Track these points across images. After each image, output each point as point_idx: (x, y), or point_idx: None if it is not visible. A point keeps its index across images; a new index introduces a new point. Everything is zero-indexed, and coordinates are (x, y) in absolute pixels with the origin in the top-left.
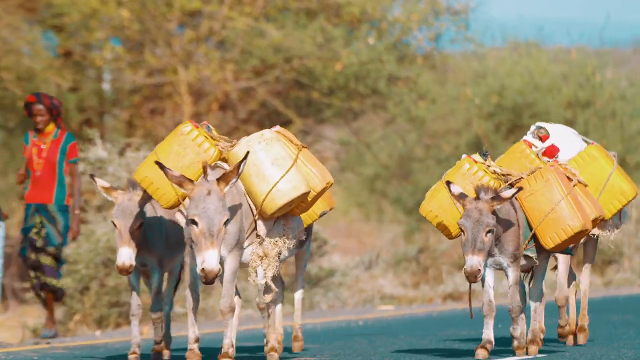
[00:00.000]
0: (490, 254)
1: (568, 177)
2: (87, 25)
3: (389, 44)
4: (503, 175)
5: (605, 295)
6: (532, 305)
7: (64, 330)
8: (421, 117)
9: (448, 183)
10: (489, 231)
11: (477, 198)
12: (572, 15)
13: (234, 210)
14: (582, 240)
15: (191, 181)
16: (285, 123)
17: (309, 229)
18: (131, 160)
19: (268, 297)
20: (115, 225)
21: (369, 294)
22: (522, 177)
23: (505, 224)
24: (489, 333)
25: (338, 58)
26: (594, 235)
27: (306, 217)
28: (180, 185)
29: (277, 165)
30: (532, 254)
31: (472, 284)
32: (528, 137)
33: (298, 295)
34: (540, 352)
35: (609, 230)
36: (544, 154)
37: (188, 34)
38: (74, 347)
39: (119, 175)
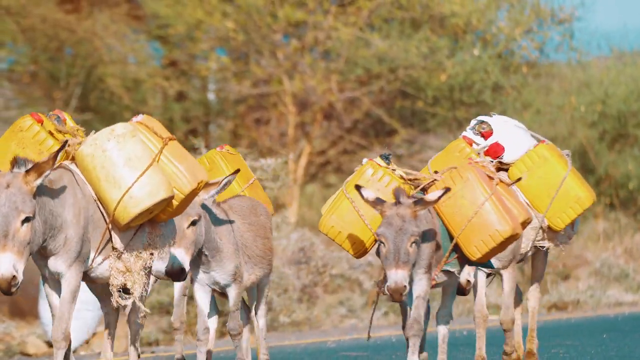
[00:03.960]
0: None
1: (489, 176)
2: (192, 36)
3: (494, 54)
4: (410, 180)
5: (557, 317)
6: (441, 332)
7: (168, 340)
8: (526, 126)
9: (358, 187)
10: (414, 241)
11: (398, 203)
12: None
13: (71, 213)
14: (529, 253)
15: None
16: (390, 132)
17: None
18: None
19: (140, 319)
20: None
21: (473, 304)
22: (435, 180)
23: (425, 231)
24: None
25: (443, 68)
26: (543, 247)
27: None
28: None
29: (130, 166)
30: (454, 268)
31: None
32: (468, 133)
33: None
34: None
35: (561, 242)
36: (486, 153)
37: (293, 44)
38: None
39: None
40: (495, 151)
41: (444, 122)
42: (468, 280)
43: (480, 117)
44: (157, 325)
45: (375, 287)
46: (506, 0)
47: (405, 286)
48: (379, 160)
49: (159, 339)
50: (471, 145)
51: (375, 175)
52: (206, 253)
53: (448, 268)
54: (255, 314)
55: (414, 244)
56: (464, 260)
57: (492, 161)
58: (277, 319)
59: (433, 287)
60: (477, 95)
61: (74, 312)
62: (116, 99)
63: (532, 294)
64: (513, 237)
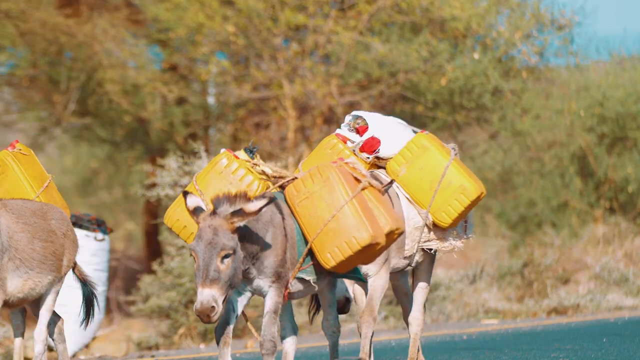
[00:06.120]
0: (247, 277)
1: (356, 178)
2: (193, 40)
3: (494, 58)
4: (275, 177)
5: (557, 321)
6: (331, 343)
7: (168, 344)
8: (525, 130)
9: (185, 194)
10: (226, 255)
11: (213, 213)
12: None
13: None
14: (415, 257)
15: None
16: None
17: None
18: None
19: None
20: None
21: (473, 308)
22: (295, 178)
23: (265, 236)
24: None
25: (443, 72)
26: (431, 250)
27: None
28: None
29: None
30: (310, 276)
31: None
32: (343, 129)
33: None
34: None
35: (451, 243)
36: (362, 149)
37: (293, 48)
38: None
39: None
40: (371, 145)
41: (444, 126)
42: (347, 298)
43: (355, 112)
44: (157, 329)
45: None
46: (506, 5)
47: (213, 307)
48: (242, 153)
49: (159, 343)
50: (345, 141)
51: (230, 167)
52: None
53: (303, 276)
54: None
55: (226, 259)
56: (322, 269)
57: (368, 157)
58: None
59: (288, 297)
60: (477, 99)
61: (74, 317)
62: (115, 104)
63: (414, 316)
64: (373, 247)
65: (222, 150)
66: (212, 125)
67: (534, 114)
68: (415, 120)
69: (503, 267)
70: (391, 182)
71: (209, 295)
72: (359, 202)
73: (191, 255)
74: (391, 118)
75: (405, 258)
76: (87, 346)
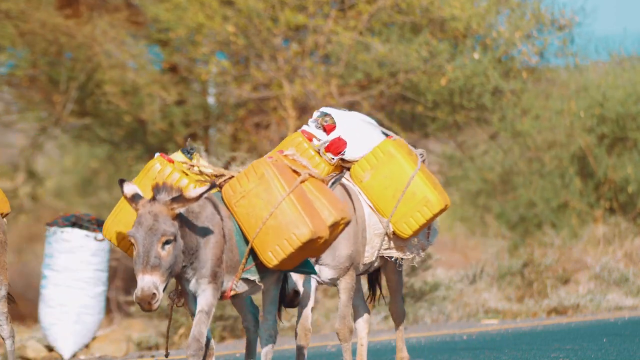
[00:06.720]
0: (184, 277)
1: (295, 171)
2: (193, 40)
3: (494, 58)
4: (215, 176)
5: (557, 321)
6: (263, 351)
7: (169, 344)
8: (525, 131)
9: (121, 182)
10: (166, 242)
11: (153, 200)
12: None
13: None
14: (375, 264)
15: None
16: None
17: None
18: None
19: None
20: None
21: (473, 308)
22: (232, 176)
23: (204, 234)
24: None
25: (443, 72)
26: (392, 258)
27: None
28: None
29: None
30: (254, 276)
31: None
32: (310, 126)
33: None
34: None
35: (412, 253)
36: (327, 149)
37: (293, 48)
38: None
39: None
40: (337, 146)
41: (444, 126)
42: (295, 291)
43: (324, 109)
44: (157, 329)
45: (169, 300)
46: (506, 5)
47: (154, 294)
48: (179, 154)
49: (159, 343)
50: (311, 140)
51: (163, 172)
52: None
53: (247, 276)
54: None
55: (166, 245)
56: (265, 268)
57: (333, 158)
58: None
59: (232, 297)
60: (477, 100)
61: (74, 317)
62: (114, 105)
63: (360, 323)
64: (315, 242)
65: (156, 155)
66: (212, 125)
67: (533, 114)
68: (415, 121)
69: (503, 267)
70: (341, 173)
71: (150, 282)
72: (297, 196)
73: (131, 243)
74: (360, 116)
75: (364, 265)
76: (87, 346)
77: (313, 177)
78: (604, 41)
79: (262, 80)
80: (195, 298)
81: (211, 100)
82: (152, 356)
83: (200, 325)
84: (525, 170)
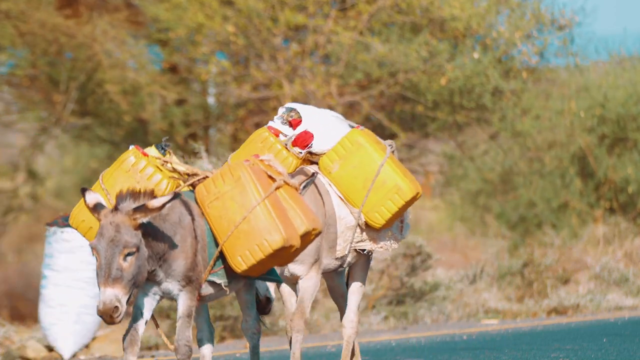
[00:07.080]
0: (153, 279)
1: (271, 177)
2: (193, 40)
3: (494, 58)
4: (188, 175)
5: (557, 321)
6: (251, 345)
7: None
8: (525, 131)
9: (83, 190)
10: (129, 253)
11: (116, 209)
12: None
13: None
14: (348, 258)
15: None
16: (390, 137)
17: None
18: None
19: None
20: None
21: (473, 308)
22: (207, 177)
23: (173, 237)
24: None
25: (443, 72)
26: (364, 250)
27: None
28: None
29: None
30: (221, 279)
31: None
32: (275, 122)
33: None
34: None
35: (385, 244)
36: (294, 143)
37: (293, 48)
38: None
39: None
40: (303, 139)
41: (444, 126)
42: (267, 298)
43: (289, 105)
44: (157, 329)
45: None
46: (506, 5)
47: (116, 307)
48: (153, 150)
49: (159, 343)
50: (277, 136)
51: (137, 165)
52: None
53: (214, 279)
54: None
55: (129, 257)
56: (233, 272)
57: (301, 152)
58: (277, 323)
59: (199, 300)
60: (477, 100)
61: (74, 317)
62: (114, 104)
63: (348, 319)
64: (286, 250)
65: (131, 147)
66: (212, 125)
67: (534, 114)
68: (415, 121)
69: (503, 267)
70: (313, 175)
71: (112, 294)
72: (272, 202)
73: (93, 253)
74: (327, 111)
75: (337, 259)
76: (87, 346)
77: (288, 184)
78: (604, 41)
79: (262, 80)
80: (145, 296)
81: (211, 100)
82: (152, 356)
83: (184, 331)
84: (525, 170)
